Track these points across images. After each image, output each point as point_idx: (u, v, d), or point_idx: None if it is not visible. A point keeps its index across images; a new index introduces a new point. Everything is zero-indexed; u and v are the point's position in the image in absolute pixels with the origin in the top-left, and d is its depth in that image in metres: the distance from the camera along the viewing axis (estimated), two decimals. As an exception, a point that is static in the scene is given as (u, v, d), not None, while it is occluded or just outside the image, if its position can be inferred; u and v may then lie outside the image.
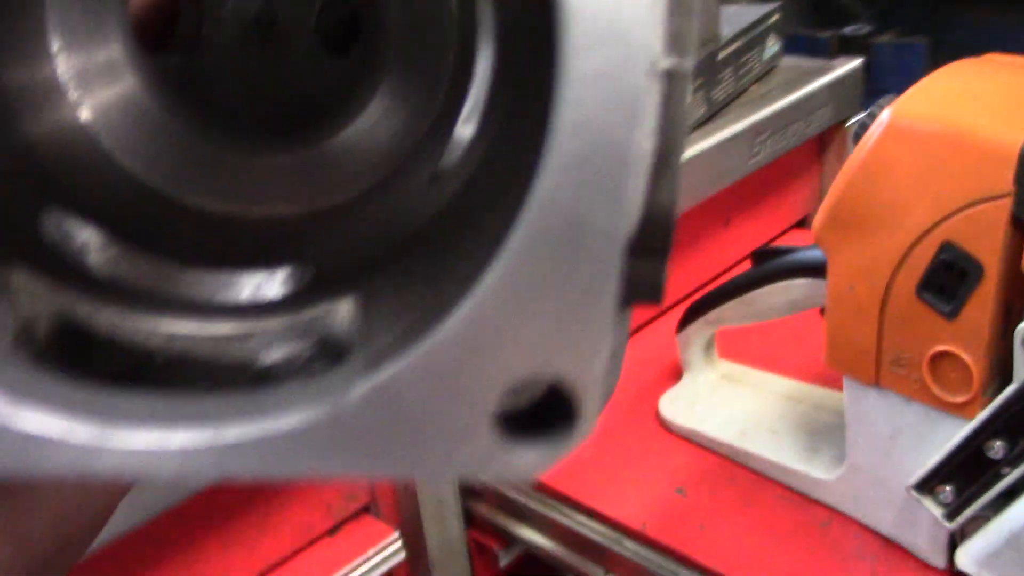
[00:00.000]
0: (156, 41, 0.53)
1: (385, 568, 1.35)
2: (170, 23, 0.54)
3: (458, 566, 1.49)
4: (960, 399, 1.01)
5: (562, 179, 0.26)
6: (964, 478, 1.02)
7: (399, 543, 1.36)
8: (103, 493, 0.42)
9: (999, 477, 1.00)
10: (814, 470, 1.24)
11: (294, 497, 1.29)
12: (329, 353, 0.37)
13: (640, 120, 0.26)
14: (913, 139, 0.97)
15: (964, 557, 1.05)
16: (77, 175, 0.44)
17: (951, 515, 1.04)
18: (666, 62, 0.27)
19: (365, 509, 1.39)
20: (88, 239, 0.40)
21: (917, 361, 1.02)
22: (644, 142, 0.26)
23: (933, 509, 1.05)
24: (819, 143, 1.89)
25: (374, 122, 0.51)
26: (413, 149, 0.50)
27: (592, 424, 0.28)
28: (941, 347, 1.00)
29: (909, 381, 1.05)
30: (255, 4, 0.55)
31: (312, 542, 1.32)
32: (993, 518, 1.02)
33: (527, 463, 0.28)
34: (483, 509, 1.48)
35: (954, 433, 1.01)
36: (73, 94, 0.45)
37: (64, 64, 0.45)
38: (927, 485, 1.05)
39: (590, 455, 1.40)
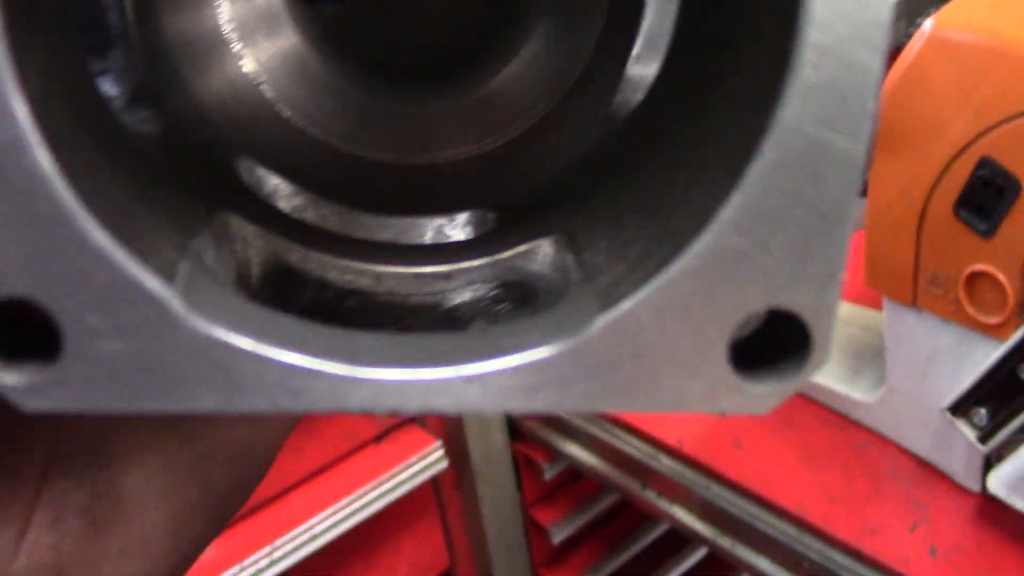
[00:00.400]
0: None
1: (429, 475, 1.39)
2: None
3: (503, 477, 1.53)
4: (995, 320, 0.98)
5: (806, 104, 0.25)
6: (998, 400, 1.00)
7: (442, 451, 1.40)
8: (272, 433, 0.44)
9: (1033, 400, 0.98)
10: (854, 392, 1.23)
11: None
12: (523, 294, 0.38)
13: (883, 42, 0.25)
14: (955, 50, 0.94)
15: (996, 481, 1.03)
16: (248, 127, 0.45)
17: (984, 438, 1.03)
18: None
19: (411, 419, 1.43)
20: (277, 185, 0.42)
21: (953, 281, 1.00)
22: (882, 63, 0.25)
23: (967, 432, 1.04)
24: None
25: (531, 62, 0.51)
26: (578, 86, 0.49)
27: (827, 353, 0.28)
28: (977, 266, 0.97)
29: (945, 302, 1.02)
30: None
31: (358, 448, 1.37)
32: (1025, 442, 1.01)
33: (761, 395, 0.28)
34: (529, 424, 1.51)
35: (989, 355, 0.99)
36: (236, 45, 0.46)
37: (226, 14, 0.46)
38: (961, 407, 1.03)
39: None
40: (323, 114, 0.48)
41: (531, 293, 0.37)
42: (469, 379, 0.27)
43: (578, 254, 0.35)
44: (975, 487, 1.10)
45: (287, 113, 0.47)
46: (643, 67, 0.43)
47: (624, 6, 0.45)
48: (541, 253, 0.37)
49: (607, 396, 0.28)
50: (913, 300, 1.06)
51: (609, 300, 0.28)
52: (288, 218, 0.41)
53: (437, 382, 0.27)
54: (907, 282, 1.05)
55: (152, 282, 0.25)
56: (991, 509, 1.08)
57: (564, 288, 0.34)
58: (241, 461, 0.42)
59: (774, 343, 0.28)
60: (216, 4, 0.45)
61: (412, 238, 0.43)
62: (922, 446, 1.16)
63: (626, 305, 0.27)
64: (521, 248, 0.38)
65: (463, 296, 0.39)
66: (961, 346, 1.04)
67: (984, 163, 0.93)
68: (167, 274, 0.26)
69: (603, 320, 0.27)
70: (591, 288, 0.31)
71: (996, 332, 0.99)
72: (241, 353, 0.26)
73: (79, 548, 0.38)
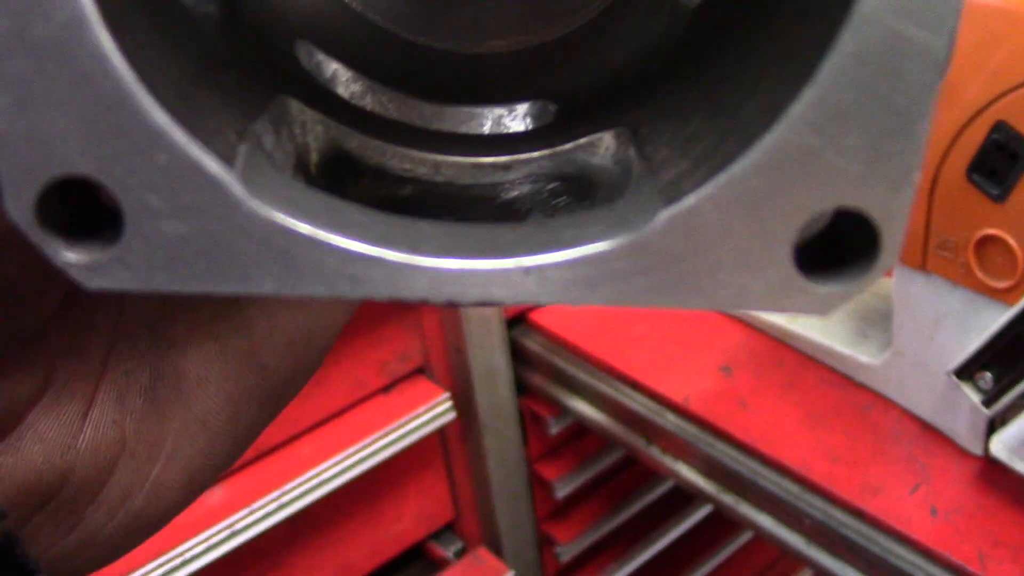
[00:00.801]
0: None
1: (436, 425, 1.41)
2: None
3: (509, 431, 1.55)
4: (1004, 284, 0.99)
5: None
6: (1004, 364, 1.01)
7: (450, 403, 1.42)
8: (330, 320, 0.44)
9: (1038, 365, 0.99)
10: (861, 354, 1.24)
11: (349, 355, 1.35)
12: (582, 187, 0.37)
13: None
14: (972, 12, 0.93)
15: (998, 444, 1.04)
16: (307, 9, 0.44)
17: (989, 401, 1.03)
18: None
19: (419, 370, 1.44)
20: (336, 71, 0.41)
21: (963, 244, 1.01)
22: None
23: (972, 395, 1.05)
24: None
25: None
26: None
27: (894, 257, 0.27)
28: (988, 231, 0.98)
29: (955, 265, 1.03)
30: None
31: (367, 398, 1.39)
32: (1029, 406, 1.01)
33: (824, 296, 0.27)
34: (536, 379, 1.52)
35: (996, 319, 1.00)
36: None
37: None
38: (967, 370, 1.04)
39: (640, 331, 1.42)
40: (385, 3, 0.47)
41: (591, 186, 0.36)
42: (528, 270, 0.27)
43: (641, 148, 0.34)
44: (977, 450, 1.11)
45: (354, 4, 0.46)
46: None
47: None
48: (603, 146, 0.37)
49: (668, 292, 0.27)
50: (922, 264, 1.06)
51: (673, 195, 0.27)
52: (347, 105, 0.41)
53: (496, 272, 0.27)
54: (917, 246, 1.05)
55: (212, 164, 0.26)
56: (992, 472, 1.09)
57: (626, 182, 0.33)
58: (298, 348, 0.43)
59: (841, 242, 0.27)
60: None
61: (471, 128, 0.42)
62: (926, 409, 1.16)
63: (690, 200, 0.26)
64: (582, 140, 0.37)
65: (522, 188, 0.38)
66: (969, 310, 1.04)
67: (999, 127, 0.93)
68: (227, 156, 0.26)
69: (666, 214, 0.26)
70: (654, 183, 0.30)
71: (1004, 296, 1.00)
72: (300, 238, 0.26)
73: (141, 426, 0.39)
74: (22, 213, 0.26)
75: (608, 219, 0.28)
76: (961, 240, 1.01)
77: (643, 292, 0.27)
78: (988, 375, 1.03)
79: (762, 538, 1.23)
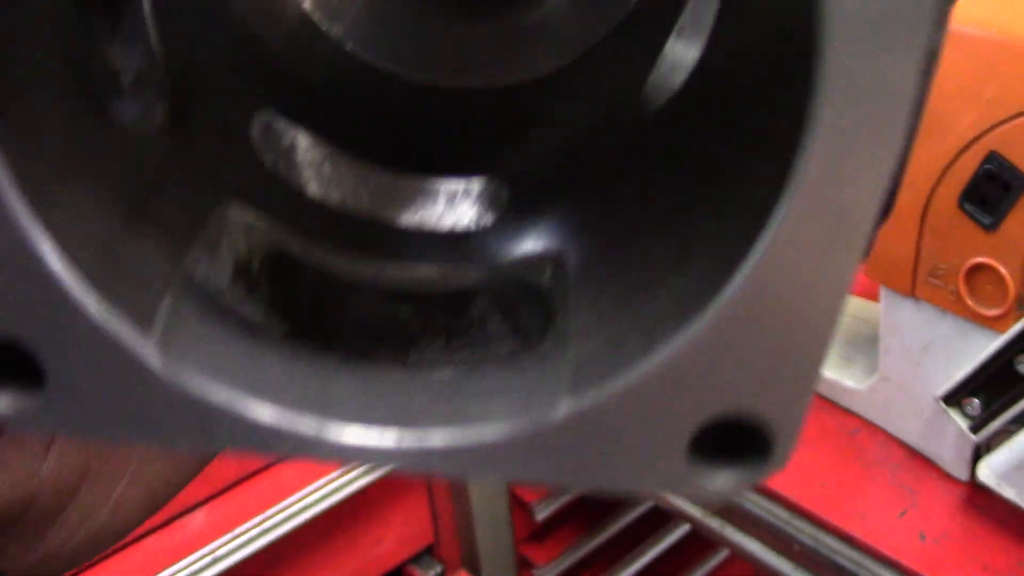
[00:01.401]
0: None
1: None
2: None
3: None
4: (994, 312, 1.00)
5: (823, 164, 0.24)
6: (992, 391, 1.02)
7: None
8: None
9: (1027, 392, 1.00)
10: (847, 379, 1.25)
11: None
12: (522, 307, 0.38)
13: (907, 102, 0.23)
14: (967, 44, 0.95)
15: (986, 470, 1.05)
16: (281, 39, 0.44)
17: (976, 427, 1.04)
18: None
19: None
20: (294, 139, 0.41)
21: (954, 272, 1.02)
22: (910, 124, 0.24)
23: (959, 421, 1.05)
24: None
25: (567, 4, 0.49)
26: (619, 36, 0.47)
27: (786, 461, 0.28)
28: (979, 259, 0.99)
29: (944, 292, 1.04)
30: None
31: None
32: (1017, 433, 1.02)
33: (718, 487, 0.28)
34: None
35: (985, 346, 1.01)
36: None
37: None
38: (955, 397, 1.05)
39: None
40: (359, 27, 0.46)
41: (535, 293, 0.37)
42: (431, 450, 0.28)
43: (567, 295, 0.35)
44: (963, 476, 1.12)
45: (322, 25, 0.45)
46: (684, 46, 0.42)
47: None
48: (543, 273, 0.38)
49: (563, 474, 0.28)
50: (912, 290, 1.07)
51: (578, 383, 0.28)
52: (295, 197, 0.41)
53: (399, 451, 0.28)
54: (907, 273, 1.06)
55: (127, 333, 0.26)
56: (979, 498, 1.10)
57: (551, 320, 0.35)
58: (178, 466, 0.44)
59: (737, 437, 0.28)
60: None
61: (419, 217, 0.42)
62: (912, 434, 1.17)
63: (592, 395, 0.27)
64: (521, 259, 0.38)
65: (468, 284, 0.39)
66: (958, 337, 1.05)
67: (991, 158, 0.94)
68: (147, 317, 0.27)
69: (567, 407, 0.27)
70: (563, 357, 0.31)
71: (994, 324, 1.01)
72: (213, 406, 0.27)
73: (104, 452, 0.41)
74: None
75: (516, 394, 0.30)
76: (952, 268, 1.01)
77: (541, 472, 0.28)
78: (976, 401, 1.04)
79: (744, 559, 1.23)
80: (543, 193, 0.43)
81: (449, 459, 0.28)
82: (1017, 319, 0.98)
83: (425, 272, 0.39)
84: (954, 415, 1.06)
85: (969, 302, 1.01)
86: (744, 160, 0.31)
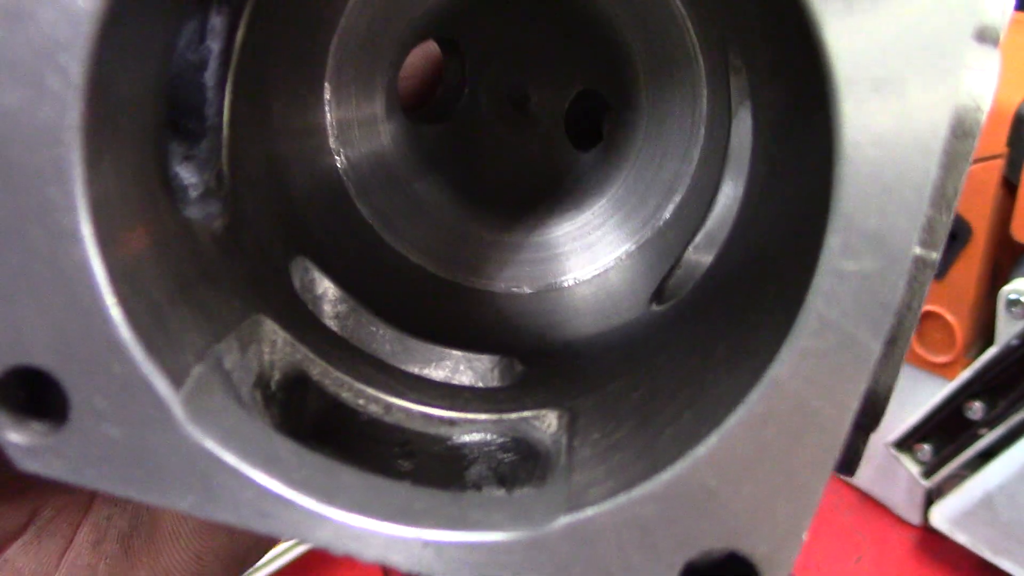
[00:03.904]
0: (415, 105, 0.57)
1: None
2: (431, 91, 0.58)
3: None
4: (942, 359, 1.01)
5: (800, 368, 0.26)
6: (942, 437, 1.03)
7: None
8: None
9: (976, 438, 1.01)
10: (798, 424, 1.26)
11: None
12: (527, 451, 0.39)
13: (885, 325, 0.25)
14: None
15: (938, 515, 1.06)
16: (323, 218, 0.47)
17: (928, 473, 1.05)
18: (919, 250, 0.28)
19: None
20: (326, 289, 0.44)
21: (902, 320, 1.03)
22: (881, 343, 0.26)
23: (910, 466, 1.06)
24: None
25: (598, 220, 0.53)
26: (635, 261, 0.51)
27: None
28: (926, 307, 1.00)
29: (894, 340, 1.05)
30: (513, 84, 0.58)
31: None
32: (968, 478, 1.03)
33: None
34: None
35: (935, 393, 1.02)
36: (334, 142, 0.49)
37: (332, 113, 0.49)
38: (906, 442, 1.06)
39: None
40: (398, 217, 0.51)
41: (534, 453, 0.38)
42: (427, 543, 0.29)
43: (572, 438, 0.36)
44: (915, 520, 1.13)
45: (362, 211, 0.50)
46: (700, 255, 0.45)
47: (703, 194, 0.46)
48: (547, 423, 0.39)
49: None
50: (861, 337, 1.08)
51: (578, 502, 0.29)
52: (321, 328, 0.43)
53: (397, 539, 0.29)
54: (856, 319, 1.08)
55: (161, 383, 0.28)
56: (931, 542, 1.11)
57: (553, 467, 0.36)
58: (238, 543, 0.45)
59: (728, 568, 0.29)
60: (326, 100, 0.48)
61: (431, 371, 0.45)
62: (864, 479, 1.18)
63: (590, 512, 0.28)
64: (528, 413, 0.40)
65: (472, 437, 0.40)
66: (908, 383, 1.06)
67: (937, 207, 0.96)
68: (179, 377, 0.29)
69: (565, 520, 0.28)
70: (567, 482, 0.32)
71: (943, 371, 1.02)
72: (224, 467, 0.28)
73: (113, 571, 0.41)
74: None
75: (515, 509, 0.30)
76: (900, 316, 1.03)
77: None
78: (927, 447, 1.05)
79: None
80: (552, 368, 0.45)
81: (444, 556, 0.29)
82: (965, 366, 0.99)
83: (430, 421, 0.40)
84: (905, 461, 1.07)
85: (918, 349, 1.03)
86: (733, 355, 0.32)
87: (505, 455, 0.39)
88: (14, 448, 0.28)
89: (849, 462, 0.31)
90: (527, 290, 0.51)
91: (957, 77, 0.24)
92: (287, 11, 0.43)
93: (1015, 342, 0.94)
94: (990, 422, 0.99)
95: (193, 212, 0.37)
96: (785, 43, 0.37)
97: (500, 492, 0.37)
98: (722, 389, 0.30)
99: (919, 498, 1.11)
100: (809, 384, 0.26)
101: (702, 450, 0.27)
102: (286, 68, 0.45)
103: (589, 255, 0.51)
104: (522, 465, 0.38)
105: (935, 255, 0.28)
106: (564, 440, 0.37)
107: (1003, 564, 1.02)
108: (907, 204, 0.25)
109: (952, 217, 0.30)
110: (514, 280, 0.51)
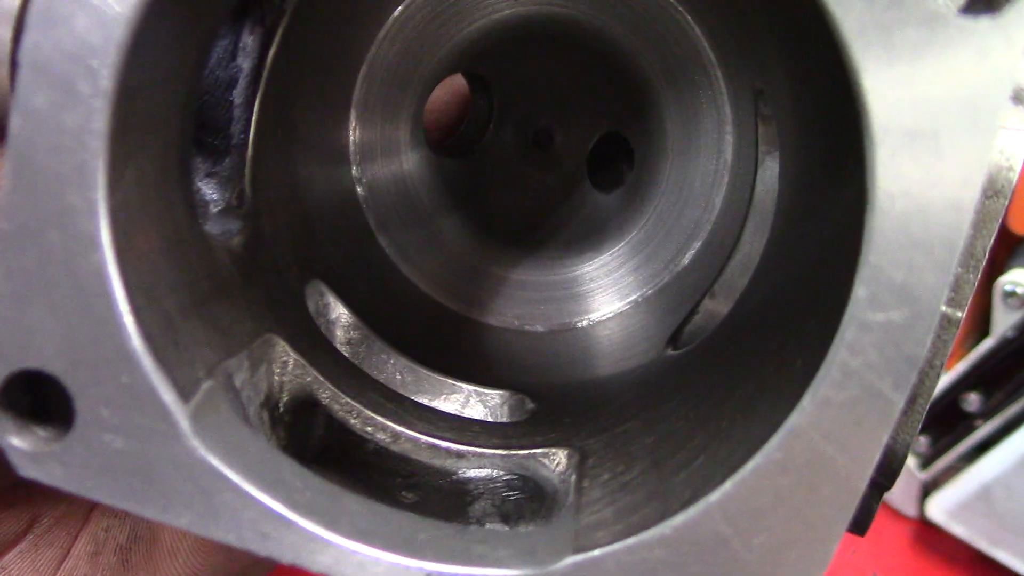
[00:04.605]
0: (439, 139, 0.57)
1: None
2: (456, 125, 0.58)
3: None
4: (939, 351, 1.01)
5: (818, 418, 0.26)
6: (938, 429, 1.03)
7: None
8: None
9: (972, 429, 1.01)
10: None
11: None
12: (534, 488, 0.39)
13: (909, 378, 0.25)
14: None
15: (934, 507, 1.06)
16: (342, 245, 0.47)
17: (924, 464, 1.06)
18: (945, 308, 0.27)
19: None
20: (340, 315, 0.44)
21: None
22: (904, 397, 0.25)
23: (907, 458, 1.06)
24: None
25: (616, 263, 0.54)
26: (652, 305, 0.51)
27: None
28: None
29: (890, 332, 1.05)
30: (538, 122, 0.58)
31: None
32: (964, 470, 1.04)
33: None
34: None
35: (931, 385, 1.02)
36: (356, 171, 0.50)
37: (356, 140, 0.49)
38: (903, 435, 1.06)
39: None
40: (415, 249, 0.51)
41: (541, 492, 0.38)
42: (429, 575, 0.28)
43: (581, 478, 0.36)
44: (912, 512, 1.13)
45: (378, 237, 0.50)
46: (718, 301, 0.46)
47: (722, 246, 0.47)
48: (556, 462, 0.39)
49: None
50: (858, 330, 1.08)
51: (585, 543, 0.29)
52: (333, 353, 0.43)
53: (398, 569, 0.28)
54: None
55: (169, 395, 0.28)
56: (928, 534, 1.11)
57: (560, 506, 0.35)
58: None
59: None
60: (351, 127, 0.49)
61: (441, 403, 0.45)
62: (861, 472, 1.18)
63: (596, 554, 0.28)
64: (538, 451, 0.39)
65: (478, 472, 0.40)
66: (904, 375, 1.07)
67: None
68: (187, 390, 0.29)
69: (571, 561, 0.28)
70: (575, 522, 0.32)
71: (939, 363, 1.02)
72: (227, 483, 0.28)
73: None
74: None
75: (520, 545, 0.30)
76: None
77: None
78: (923, 439, 1.05)
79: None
80: (564, 407, 0.45)
81: None
82: (961, 357, 0.99)
83: (437, 453, 0.40)
84: (902, 453, 1.07)
85: (914, 341, 1.03)
86: (750, 402, 0.32)
87: (510, 492, 0.39)
88: (16, 453, 0.28)
89: (861, 520, 0.31)
90: (540, 328, 0.51)
91: (992, 135, 0.24)
92: (320, 35, 0.44)
93: (1011, 333, 0.94)
94: (986, 414, 0.99)
95: (213, 227, 0.36)
96: (819, 92, 0.37)
97: (504, 528, 0.37)
98: (737, 436, 0.30)
99: (915, 490, 1.12)
100: (829, 435, 0.26)
101: (715, 496, 0.27)
102: (313, 92, 0.45)
103: (606, 297, 0.52)
104: (527, 503, 0.38)
105: (960, 314, 0.28)
106: (573, 479, 0.36)
107: (999, 556, 1.03)
108: (937, 260, 0.25)
109: (979, 277, 0.30)
110: (528, 318, 0.51)
